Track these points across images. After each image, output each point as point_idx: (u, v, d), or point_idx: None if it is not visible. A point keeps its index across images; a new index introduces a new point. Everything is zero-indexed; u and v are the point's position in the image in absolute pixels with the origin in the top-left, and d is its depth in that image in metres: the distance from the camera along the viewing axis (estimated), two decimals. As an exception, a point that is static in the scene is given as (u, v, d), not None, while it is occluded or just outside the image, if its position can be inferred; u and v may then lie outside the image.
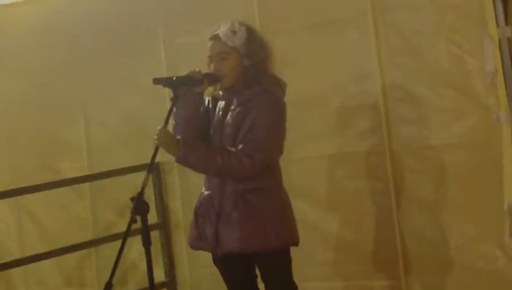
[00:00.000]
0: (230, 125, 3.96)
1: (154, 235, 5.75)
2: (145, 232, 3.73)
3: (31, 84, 6.47)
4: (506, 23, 4.59)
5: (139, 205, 3.69)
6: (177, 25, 5.80)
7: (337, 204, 5.22)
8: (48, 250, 5.81)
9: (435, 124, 4.85)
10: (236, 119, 3.94)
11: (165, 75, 5.70)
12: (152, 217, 4.60)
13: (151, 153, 5.53)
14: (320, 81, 5.14)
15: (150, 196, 5.94)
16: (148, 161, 5.57)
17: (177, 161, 3.93)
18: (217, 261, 4.16)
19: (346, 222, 5.19)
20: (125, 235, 3.69)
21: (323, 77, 5.15)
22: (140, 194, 3.70)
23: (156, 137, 3.85)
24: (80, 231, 6.30)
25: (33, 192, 5.81)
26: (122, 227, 5.90)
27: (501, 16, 4.58)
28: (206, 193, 4.09)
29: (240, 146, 3.90)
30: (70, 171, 6.32)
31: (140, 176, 5.67)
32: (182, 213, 5.94)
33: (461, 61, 4.73)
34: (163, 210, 6.04)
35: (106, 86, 6.16)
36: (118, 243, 5.62)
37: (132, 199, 3.70)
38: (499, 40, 4.59)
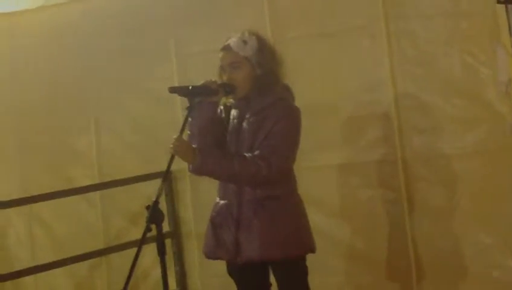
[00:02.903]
0: (247, 133, 3.97)
1: (166, 243, 5.58)
2: (160, 241, 3.72)
3: (42, 93, 6.48)
4: (519, 32, 4.57)
5: (155, 214, 3.68)
6: (189, 34, 5.80)
7: (349, 213, 5.21)
8: (58, 258, 5.80)
9: (448, 133, 4.84)
10: (252, 127, 3.96)
11: (176, 84, 5.74)
12: (164, 226, 4.56)
13: (162, 161, 5.57)
14: (332, 90, 5.14)
15: (161, 204, 5.90)
16: (159, 169, 5.75)
17: (194, 169, 3.94)
18: (233, 270, 4.15)
19: (359, 231, 5.19)
20: (140, 244, 3.68)
21: (334, 86, 5.15)
22: (156, 203, 3.69)
23: (171, 146, 3.85)
24: (91, 239, 6.30)
25: (44, 200, 5.80)
26: (133, 235, 6.10)
27: (514, 25, 4.56)
28: (222, 202, 4.09)
29: (257, 152, 3.91)
30: (81, 179, 6.34)
31: (152, 184, 5.93)
32: (193, 221, 5.94)
33: (474, 70, 4.72)
34: (175, 218, 6.04)
35: (117, 94, 6.17)
36: (129, 251, 5.87)
37: (147, 207, 3.69)
38: (512, 48, 4.56)
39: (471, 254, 4.82)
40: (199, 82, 3.93)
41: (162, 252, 3.72)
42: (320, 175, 5.10)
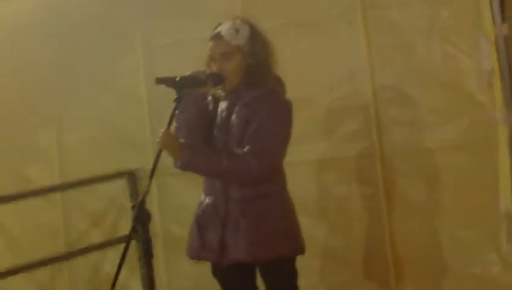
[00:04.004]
0: (236, 126, 3.83)
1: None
2: (145, 243, 3.53)
3: (3, 86, 6.28)
4: (503, 21, 4.47)
5: (141, 214, 3.50)
6: (155, 24, 5.65)
7: (325, 210, 5.09)
8: (17, 262, 5.61)
9: (428, 126, 4.73)
10: (242, 120, 3.82)
11: (142, 76, 5.64)
12: (127, 228, 4.40)
13: (128, 159, 5.68)
14: (308, 82, 5.00)
15: (126, 206, 5.82)
16: (124, 166, 5.74)
17: (181, 164, 3.77)
18: (217, 271, 4.01)
19: (335, 229, 5.07)
20: (125, 247, 3.52)
21: (310, 77, 5.02)
22: (142, 202, 3.51)
23: (158, 140, 3.70)
24: (51, 241, 6.12)
25: (3, 203, 5.55)
26: (95, 237, 6.00)
27: (497, 13, 4.46)
28: (208, 200, 3.93)
29: (247, 147, 3.77)
30: (40, 178, 6.15)
31: (115, 184, 5.82)
32: (160, 222, 5.75)
33: (455, 60, 4.61)
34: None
35: (80, 88, 5.98)
36: (91, 254, 5.70)
37: (133, 207, 3.53)
38: (495, 37, 4.46)
39: (452, 250, 4.71)
40: (172, 74, 3.79)
41: (148, 255, 3.55)
42: (296, 170, 4.84)
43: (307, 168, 5.06)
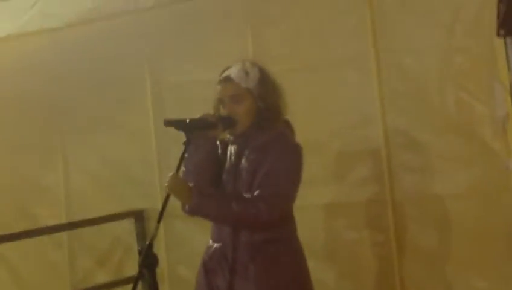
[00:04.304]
0: (246, 171, 3.76)
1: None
2: (152, 287, 3.45)
3: (8, 125, 6.25)
4: (517, 67, 4.41)
5: (148, 258, 3.42)
6: (165, 63, 5.60)
7: (334, 255, 5.01)
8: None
9: (440, 173, 4.65)
10: (252, 164, 3.74)
11: (151, 116, 5.58)
12: (133, 268, 4.34)
13: (134, 199, 5.64)
14: (319, 126, 4.97)
15: (132, 245, 5.75)
16: (130, 207, 5.65)
17: (189, 209, 3.70)
18: None
19: (345, 275, 4.99)
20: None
21: (321, 121, 4.99)
22: (150, 245, 3.43)
23: (166, 184, 3.63)
24: (57, 280, 6.06)
25: (8, 241, 5.50)
26: (101, 277, 5.93)
27: (512, 60, 4.40)
28: (216, 244, 3.85)
29: (257, 192, 3.69)
30: (46, 217, 6.09)
31: (122, 224, 5.76)
32: (166, 263, 5.67)
33: (468, 107, 4.56)
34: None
35: (87, 127, 5.95)
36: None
37: (140, 251, 3.46)
38: (510, 84, 4.40)
39: (464, 299, 4.61)
40: (181, 116, 3.72)
41: (155, 300, 3.43)
42: (306, 214, 4.76)
43: (317, 212, 5.00)
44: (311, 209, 4.91)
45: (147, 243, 3.44)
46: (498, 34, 4.19)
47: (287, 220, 3.85)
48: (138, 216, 5.70)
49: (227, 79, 3.79)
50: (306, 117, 4.87)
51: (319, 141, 4.95)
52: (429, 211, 4.73)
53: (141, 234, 5.73)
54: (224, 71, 3.84)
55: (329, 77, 4.96)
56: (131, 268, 5.58)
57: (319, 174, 4.92)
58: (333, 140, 4.97)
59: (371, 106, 4.83)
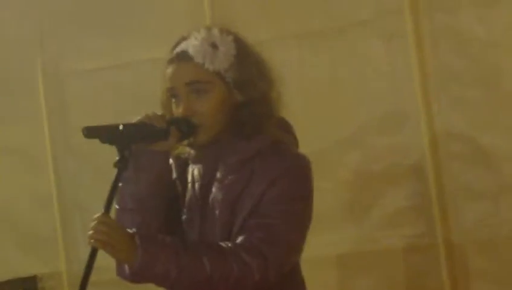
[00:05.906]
0: (220, 204, 2.79)
1: None
2: None
3: None
4: None
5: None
6: (65, 45, 4.43)
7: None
8: None
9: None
10: (229, 193, 2.77)
11: (44, 116, 4.40)
12: None
13: (23, 260, 4.51)
14: (326, 130, 3.83)
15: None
16: (17, 273, 4.54)
17: (134, 271, 2.68)
18: None
19: None
20: None
21: (329, 123, 3.84)
22: None
23: (91, 232, 2.65)
24: None
25: None
26: None
27: None
28: None
29: (240, 238, 2.76)
30: None
31: None
32: None
33: None
34: None
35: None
36: None
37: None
38: None
39: None
40: (101, 121, 2.73)
41: None
42: (313, 271, 3.49)
43: (329, 265, 3.91)
44: (320, 262, 3.83)
45: None
46: None
47: (290, 282, 2.91)
48: (29, 285, 4.60)
49: (183, 57, 2.78)
50: (306, 117, 3.78)
51: (327, 153, 3.79)
52: (505, 260, 3.59)
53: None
54: (177, 44, 2.82)
55: (340, 50, 3.81)
56: None
57: (331, 207, 3.78)
58: (350, 152, 3.83)
59: (408, 95, 3.70)
